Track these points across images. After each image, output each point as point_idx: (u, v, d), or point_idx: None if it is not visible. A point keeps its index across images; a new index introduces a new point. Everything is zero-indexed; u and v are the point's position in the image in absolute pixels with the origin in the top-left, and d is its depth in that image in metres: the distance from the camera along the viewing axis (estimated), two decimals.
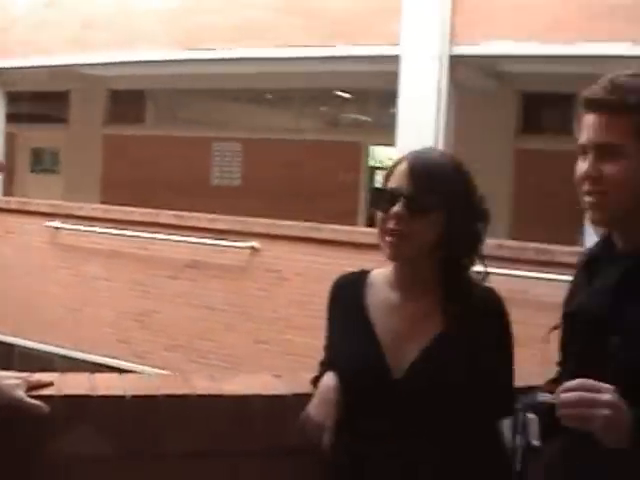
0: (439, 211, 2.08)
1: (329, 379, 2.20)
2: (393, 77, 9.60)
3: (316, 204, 13.42)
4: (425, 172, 2.10)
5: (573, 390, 1.80)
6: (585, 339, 2.05)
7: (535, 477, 2.06)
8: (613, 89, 1.93)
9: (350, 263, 10.55)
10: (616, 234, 2.07)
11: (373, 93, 13.56)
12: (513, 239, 10.45)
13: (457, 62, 9.42)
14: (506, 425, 1.97)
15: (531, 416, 1.92)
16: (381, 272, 2.26)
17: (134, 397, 2.18)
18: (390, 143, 10.25)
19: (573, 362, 2.09)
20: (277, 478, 2.32)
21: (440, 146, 9.44)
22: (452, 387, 2.03)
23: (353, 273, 2.32)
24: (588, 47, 9.36)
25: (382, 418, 2.07)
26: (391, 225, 2.09)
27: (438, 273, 2.15)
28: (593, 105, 1.96)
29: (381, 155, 14.20)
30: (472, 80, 10.32)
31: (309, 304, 10.63)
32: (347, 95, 14.37)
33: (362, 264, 8.90)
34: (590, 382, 1.81)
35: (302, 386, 2.36)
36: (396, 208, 2.08)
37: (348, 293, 2.25)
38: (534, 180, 12.36)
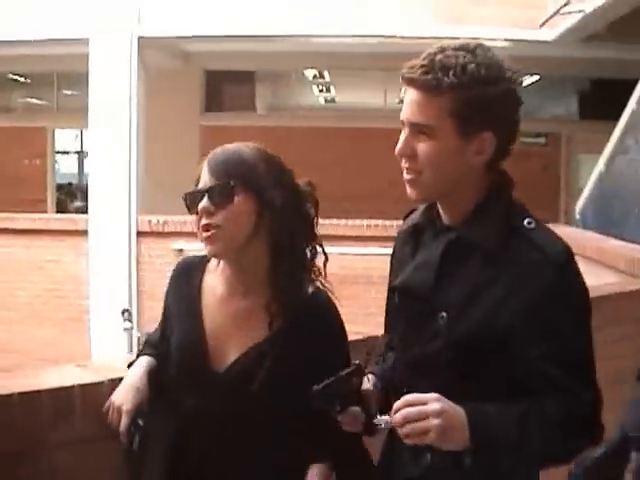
0: (245, 194, 2.07)
1: (139, 364, 2.24)
2: (81, 59, 9.46)
3: (3, 193, 12.87)
4: (220, 163, 2.10)
5: (399, 409, 1.76)
6: (411, 315, 2.01)
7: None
8: (430, 68, 1.82)
9: (48, 251, 10.37)
10: (440, 206, 2.00)
11: (59, 76, 13.20)
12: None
13: (145, 43, 9.50)
14: None
15: (371, 377, 2.00)
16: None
17: None
18: (79, 126, 10.11)
19: (399, 338, 2.07)
20: (98, 464, 2.34)
21: (133, 126, 9.50)
22: (261, 395, 2.03)
23: (195, 257, 2.30)
24: (266, 27, 9.89)
25: (202, 406, 2.10)
26: (202, 221, 2.08)
27: (267, 270, 2.12)
28: (410, 83, 1.86)
29: (68, 139, 13.92)
30: (160, 60, 10.44)
31: (7, 297, 10.28)
32: (23, 79, 13.84)
33: (59, 251, 8.74)
34: (414, 397, 1.77)
35: (113, 372, 2.39)
36: (201, 204, 2.07)
37: (187, 278, 2.24)
38: None
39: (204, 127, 12.74)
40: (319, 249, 2.16)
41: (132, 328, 9.71)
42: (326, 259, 2.16)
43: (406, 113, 1.88)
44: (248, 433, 2.09)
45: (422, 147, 1.86)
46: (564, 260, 1.84)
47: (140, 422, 2.14)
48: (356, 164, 14.03)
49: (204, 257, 2.24)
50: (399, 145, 1.91)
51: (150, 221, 9.93)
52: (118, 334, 9.57)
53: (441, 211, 1.99)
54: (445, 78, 1.80)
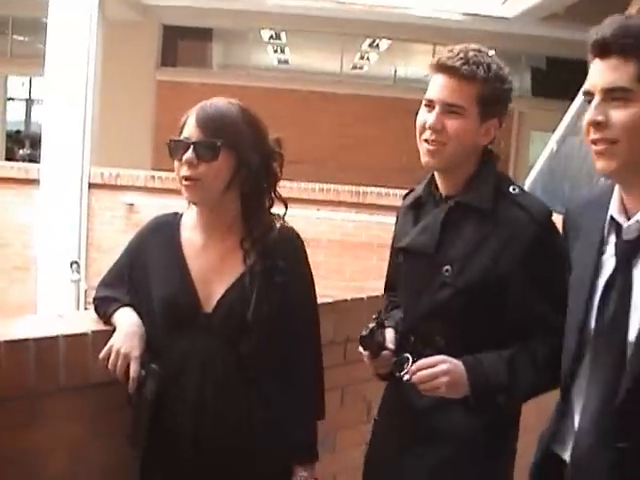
0: (228, 153, 2.23)
1: (129, 314, 2.33)
2: (36, 5, 9.33)
3: None
4: (209, 119, 2.25)
5: (414, 373, 2.15)
6: (417, 272, 2.33)
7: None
8: (466, 61, 2.21)
9: None
10: (440, 179, 2.34)
11: (14, 21, 12.94)
12: (154, 169, 10.74)
13: None
14: None
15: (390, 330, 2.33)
16: (191, 213, 2.39)
17: None
18: (32, 73, 9.96)
19: (405, 292, 2.42)
20: (82, 411, 2.40)
21: (90, 77, 9.40)
22: (253, 323, 2.21)
23: (167, 215, 2.43)
24: None
25: (192, 348, 2.25)
26: (184, 172, 2.24)
27: (239, 213, 2.31)
28: (449, 70, 2.22)
29: (15, 86, 13.65)
30: (119, 12, 10.31)
31: None
32: None
33: (7, 199, 8.64)
34: (425, 361, 2.15)
35: (94, 324, 2.44)
36: (186, 155, 2.22)
37: (163, 235, 2.38)
38: (174, 111, 12.70)
39: (159, 81, 12.66)
40: (278, 198, 2.36)
41: (80, 280, 9.67)
42: (286, 207, 2.37)
43: (440, 94, 2.24)
44: (239, 367, 2.23)
45: (452, 123, 2.23)
46: (546, 218, 2.22)
47: (155, 367, 2.22)
48: (308, 127, 14.08)
49: (176, 215, 2.41)
50: (431, 120, 2.24)
51: (102, 173, 9.85)
52: (65, 285, 9.53)
53: (440, 184, 2.35)
54: (478, 71, 2.20)
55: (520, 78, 13.51)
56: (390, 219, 2.68)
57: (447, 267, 2.26)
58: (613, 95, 1.79)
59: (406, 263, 2.41)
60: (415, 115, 2.33)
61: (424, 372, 2.16)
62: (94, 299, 2.47)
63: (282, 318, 2.26)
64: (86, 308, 9.63)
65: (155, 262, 2.36)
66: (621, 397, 1.77)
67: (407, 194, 2.53)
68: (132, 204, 9.70)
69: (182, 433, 2.24)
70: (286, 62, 17.33)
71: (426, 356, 2.19)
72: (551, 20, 9.13)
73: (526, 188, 2.27)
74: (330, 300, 3.00)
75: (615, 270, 1.86)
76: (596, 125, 1.80)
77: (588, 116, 1.81)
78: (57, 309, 8.91)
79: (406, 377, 2.19)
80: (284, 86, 14.54)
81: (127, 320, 2.32)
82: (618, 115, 1.78)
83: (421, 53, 14.63)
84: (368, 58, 16.77)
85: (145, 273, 2.36)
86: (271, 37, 15.21)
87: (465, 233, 2.27)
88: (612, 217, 1.90)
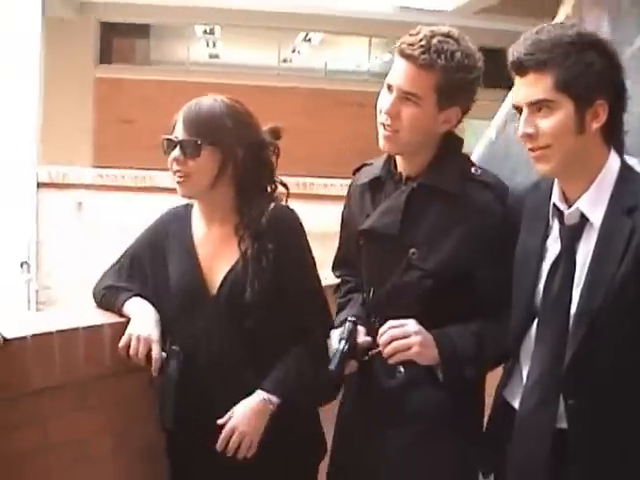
0: (211, 150, 2.37)
1: (141, 302, 2.46)
2: None
3: None
4: (192, 118, 2.39)
5: (385, 332, 2.14)
6: (380, 255, 2.33)
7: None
8: (427, 49, 2.16)
9: None
10: (400, 160, 2.32)
11: None
12: (95, 166, 10.75)
13: None
14: (335, 333, 2.33)
15: (360, 328, 2.29)
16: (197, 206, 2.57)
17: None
18: None
19: (368, 275, 2.39)
20: (122, 395, 2.52)
21: (34, 77, 9.38)
22: (250, 306, 2.34)
23: (179, 207, 2.60)
24: None
25: (201, 327, 2.40)
26: (173, 168, 2.41)
27: (234, 203, 2.45)
28: (408, 57, 2.19)
29: None
30: (56, 10, 10.27)
31: None
32: None
33: None
34: (396, 321, 2.16)
35: (110, 316, 2.53)
36: (173, 153, 2.39)
37: (178, 224, 2.55)
38: (113, 108, 12.69)
39: (98, 78, 12.64)
40: (279, 185, 2.47)
41: (31, 280, 9.66)
42: (288, 192, 2.47)
43: (398, 80, 2.22)
44: (246, 342, 2.38)
45: (407, 111, 2.21)
46: (507, 195, 2.25)
47: (175, 348, 2.35)
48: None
49: (187, 206, 2.57)
50: (387, 105, 2.23)
51: (50, 172, 9.84)
52: (17, 286, 9.51)
53: (400, 165, 2.35)
54: (438, 60, 2.16)
55: None
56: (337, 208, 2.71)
57: (413, 250, 2.25)
58: (537, 107, 1.96)
59: (368, 245, 2.38)
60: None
61: (396, 330, 2.15)
62: (99, 289, 2.60)
63: (282, 295, 2.37)
64: (38, 309, 9.62)
65: (172, 250, 2.53)
66: (568, 360, 1.96)
67: (358, 169, 2.50)
68: (80, 202, 9.72)
69: (205, 410, 2.39)
70: (217, 57, 17.36)
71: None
72: (486, 12, 9.41)
73: None
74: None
75: (560, 253, 2.03)
76: (528, 137, 1.97)
77: (520, 129, 1.98)
78: (9, 310, 8.89)
79: (369, 355, 2.21)
80: (219, 80, 14.57)
81: (140, 307, 2.45)
82: (545, 124, 1.95)
83: (355, 45, 14.83)
84: (299, 52, 16.89)
85: (164, 260, 2.52)
86: (205, 32, 15.25)
87: (430, 215, 2.26)
88: (555, 205, 2.05)
